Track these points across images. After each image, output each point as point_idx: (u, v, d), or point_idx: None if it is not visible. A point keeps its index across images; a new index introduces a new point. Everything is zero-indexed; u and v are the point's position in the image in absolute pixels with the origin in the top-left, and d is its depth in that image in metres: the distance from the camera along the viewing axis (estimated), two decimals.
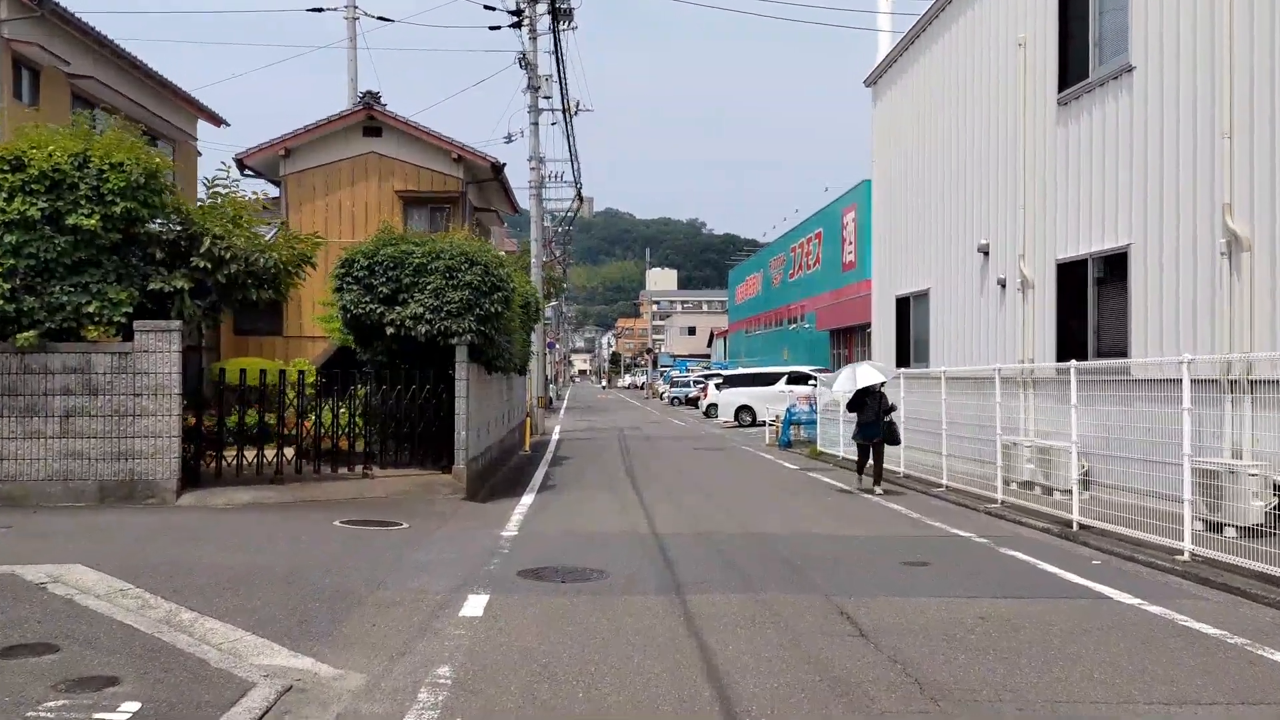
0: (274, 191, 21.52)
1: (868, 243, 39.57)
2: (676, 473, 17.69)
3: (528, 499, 13.69)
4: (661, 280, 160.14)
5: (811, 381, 31.94)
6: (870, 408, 14.78)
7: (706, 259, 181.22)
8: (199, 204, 12.16)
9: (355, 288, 13.58)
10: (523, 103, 30.43)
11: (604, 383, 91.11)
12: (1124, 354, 12.19)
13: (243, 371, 13.79)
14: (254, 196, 13.28)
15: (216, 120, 24.24)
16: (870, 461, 15.01)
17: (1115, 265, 12.63)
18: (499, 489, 14.99)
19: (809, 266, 49.91)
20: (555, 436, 28.18)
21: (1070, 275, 13.67)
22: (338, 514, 11.23)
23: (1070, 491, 12.62)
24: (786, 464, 19.69)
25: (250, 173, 21.56)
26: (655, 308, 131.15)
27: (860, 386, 14.76)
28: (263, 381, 13.68)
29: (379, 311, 13.47)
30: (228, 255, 11.57)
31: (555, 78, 27.78)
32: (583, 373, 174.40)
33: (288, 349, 20.38)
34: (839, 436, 20.13)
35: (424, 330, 13.34)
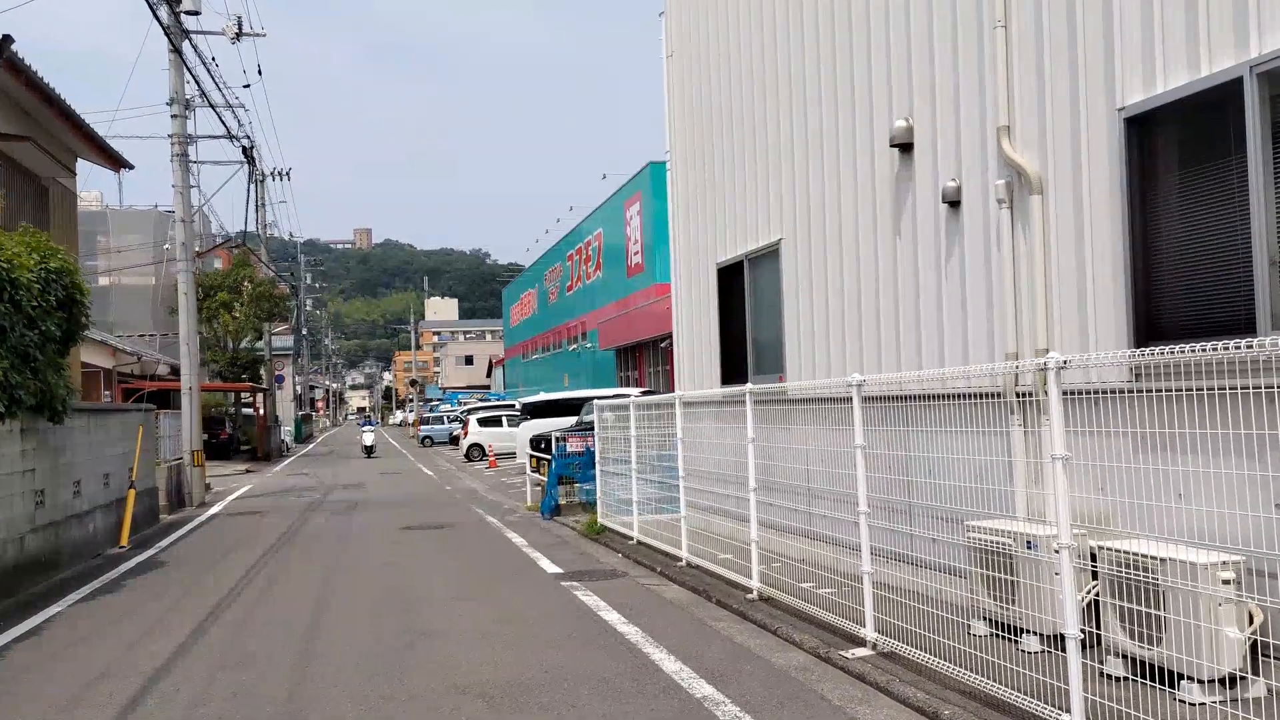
0: None
1: (658, 238, 32.44)
2: (307, 630, 8.67)
3: None
4: (443, 310, 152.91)
5: (582, 418, 23.35)
6: None
7: (491, 289, 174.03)
8: None
9: None
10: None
11: (375, 420, 78.45)
12: None
13: None
14: None
15: None
16: None
17: None
18: None
19: (589, 275, 41.98)
20: (215, 509, 18.60)
21: (1158, 145, 5.86)
22: None
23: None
24: (546, 565, 10.95)
25: None
26: (436, 338, 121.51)
27: None
28: None
29: None
30: None
31: None
32: (360, 409, 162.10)
33: None
34: (629, 497, 11.69)
35: None
